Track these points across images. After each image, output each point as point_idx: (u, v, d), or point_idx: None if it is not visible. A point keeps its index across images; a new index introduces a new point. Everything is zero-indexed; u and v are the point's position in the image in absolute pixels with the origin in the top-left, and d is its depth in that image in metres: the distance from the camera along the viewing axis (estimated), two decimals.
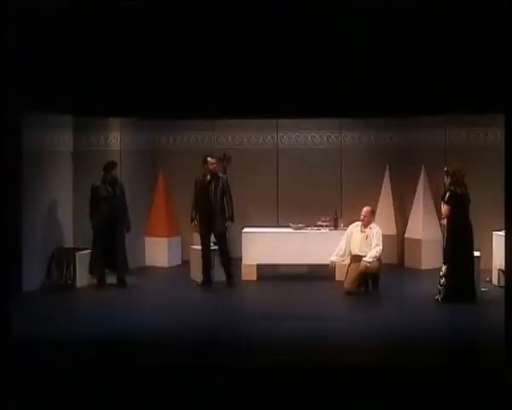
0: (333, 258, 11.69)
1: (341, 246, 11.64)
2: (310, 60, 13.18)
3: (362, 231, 11.46)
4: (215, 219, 11.89)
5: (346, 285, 11.44)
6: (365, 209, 11.55)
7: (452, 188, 10.80)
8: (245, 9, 12.13)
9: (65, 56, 11.86)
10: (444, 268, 10.76)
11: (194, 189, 12.04)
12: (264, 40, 12.86)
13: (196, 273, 12.34)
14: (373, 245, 11.32)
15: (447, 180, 10.94)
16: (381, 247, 11.33)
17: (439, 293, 10.73)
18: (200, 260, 12.07)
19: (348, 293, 11.32)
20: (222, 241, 12.02)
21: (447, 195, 10.82)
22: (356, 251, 11.48)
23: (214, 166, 11.98)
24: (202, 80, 13.17)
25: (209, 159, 12.02)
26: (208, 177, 11.94)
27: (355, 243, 11.50)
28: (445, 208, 10.88)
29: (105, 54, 12.35)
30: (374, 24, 12.54)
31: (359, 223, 11.56)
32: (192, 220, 12.01)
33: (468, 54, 12.39)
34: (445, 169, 11.14)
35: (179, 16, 12.33)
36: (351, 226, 11.66)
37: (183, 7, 12.03)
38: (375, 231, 11.43)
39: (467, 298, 10.60)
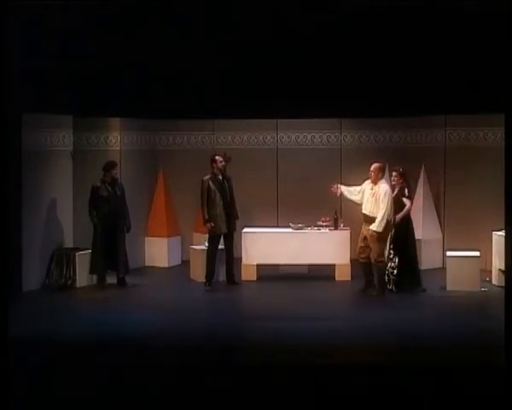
0: (343, 187, 11.60)
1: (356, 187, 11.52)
2: (310, 60, 13.22)
3: (371, 188, 11.20)
4: (230, 218, 11.92)
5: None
6: (373, 165, 11.22)
7: (404, 186, 11.47)
8: (245, 10, 12.14)
9: (65, 57, 11.88)
10: (396, 260, 11.36)
11: (201, 188, 11.90)
12: (264, 40, 12.89)
13: (196, 273, 12.34)
14: (380, 207, 11.02)
15: (399, 179, 11.39)
16: (384, 210, 10.96)
17: (391, 283, 11.33)
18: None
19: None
20: (231, 240, 12.03)
21: (406, 190, 11.50)
22: (363, 209, 11.23)
23: (223, 163, 11.97)
24: (202, 80, 13.20)
25: (217, 157, 12.01)
26: (220, 176, 11.94)
27: (365, 199, 11.25)
28: (410, 204, 11.56)
29: (105, 54, 12.38)
30: (374, 25, 12.57)
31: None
32: (208, 221, 11.80)
33: (469, 54, 12.42)
34: (400, 169, 11.55)
35: (179, 17, 12.33)
36: (365, 183, 11.34)
37: (182, 8, 12.04)
38: (383, 190, 11.07)
39: (415, 285, 11.44)
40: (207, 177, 11.95)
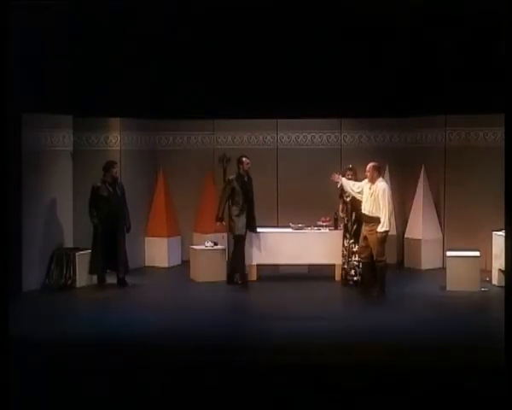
0: (344, 179, 11.60)
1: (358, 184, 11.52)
2: (310, 60, 13.22)
3: (369, 188, 11.18)
4: (249, 219, 12.01)
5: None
6: (369, 165, 11.22)
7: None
8: (245, 11, 12.15)
9: (65, 57, 11.88)
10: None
11: (224, 187, 12.05)
12: (264, 41, 12.89)
13: (196, 273, 12.34)
14: (381, 206, 11.03)
15: (352, 177, 11.61)
16: (386, 208, 10.97)
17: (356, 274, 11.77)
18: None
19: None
20: (243, 240, 12.06)
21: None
22: (363, 209, 11.23)
23: (249, 165, 12.01)
24: (202, 80, 13.21)
25: (244, 159, 12.09)
26: (246, 178, 12.02)
27: (364, 199, 11.24)
28: None
29: (105, 54, 12.39)
30: (374, 25, 12.57)
31: None
32: (220, 220, 11.95)
33: (469, 54, 12.43)
34: (350, 166, 11.83)
35: (179, 17, 12.34)
36: (364, 181, 11.35)
37: (182, 8, 12.05)
38: (381, 188, 11.08)
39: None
40: (233, 176, 12.02)
